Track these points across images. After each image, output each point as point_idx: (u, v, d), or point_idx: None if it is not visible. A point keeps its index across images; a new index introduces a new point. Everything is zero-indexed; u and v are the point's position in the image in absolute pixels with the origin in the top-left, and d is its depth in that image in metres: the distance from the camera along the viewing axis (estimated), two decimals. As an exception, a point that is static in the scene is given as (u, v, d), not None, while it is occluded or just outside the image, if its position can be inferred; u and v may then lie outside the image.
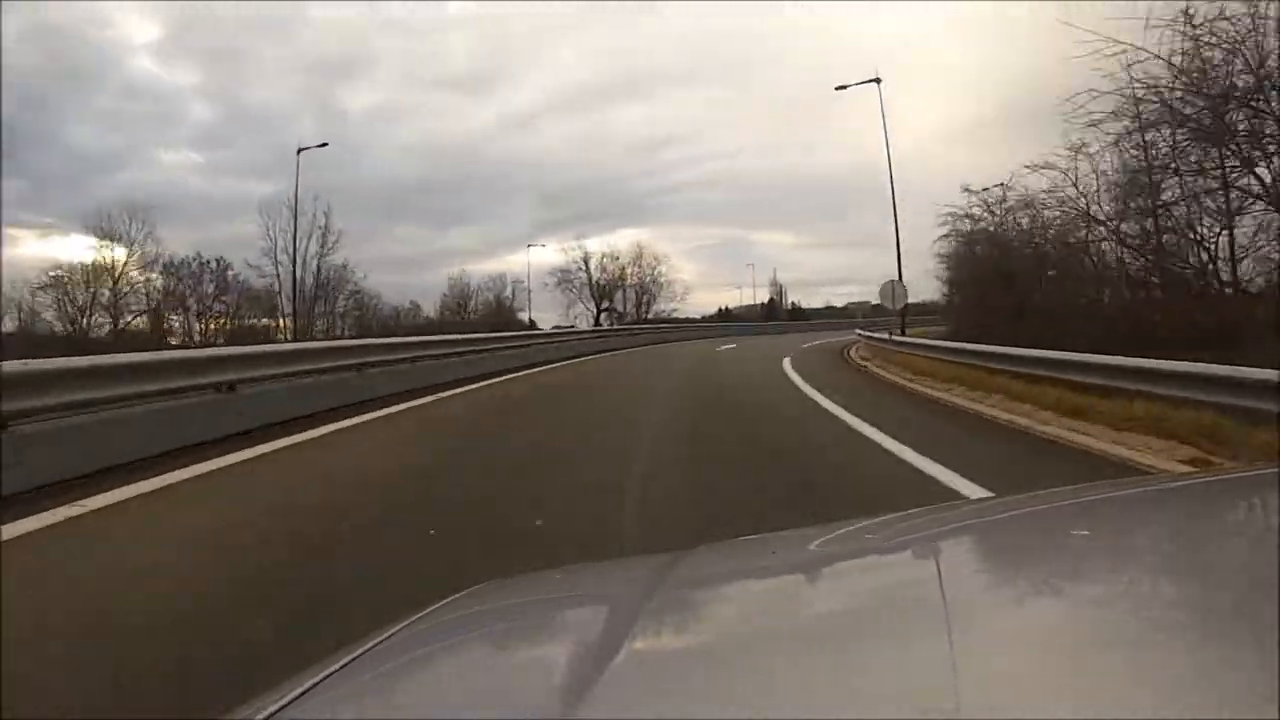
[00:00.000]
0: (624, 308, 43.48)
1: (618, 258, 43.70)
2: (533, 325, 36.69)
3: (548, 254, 60.20)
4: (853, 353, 17.06)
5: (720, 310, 52.23)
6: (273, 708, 0.53)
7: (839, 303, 56.40)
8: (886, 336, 15.24)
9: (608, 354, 19.79)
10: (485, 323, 34.71)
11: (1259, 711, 0.35)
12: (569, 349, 18.21)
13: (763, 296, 54.13)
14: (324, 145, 28.29)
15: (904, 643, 0.52)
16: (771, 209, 79.67)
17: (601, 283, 43.47)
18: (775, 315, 50.03)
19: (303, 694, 0.55)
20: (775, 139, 78.16)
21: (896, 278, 18.37)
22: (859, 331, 21.33)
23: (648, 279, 44.14)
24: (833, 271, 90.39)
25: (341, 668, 0.59)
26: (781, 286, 53.88)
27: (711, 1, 53.68)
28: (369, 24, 56.56)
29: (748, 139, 77.51)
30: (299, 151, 27.10)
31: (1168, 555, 0.68)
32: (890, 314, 19.18)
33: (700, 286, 74.61)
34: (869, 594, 0.68)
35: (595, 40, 62.95)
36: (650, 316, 42.57)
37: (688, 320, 41.31)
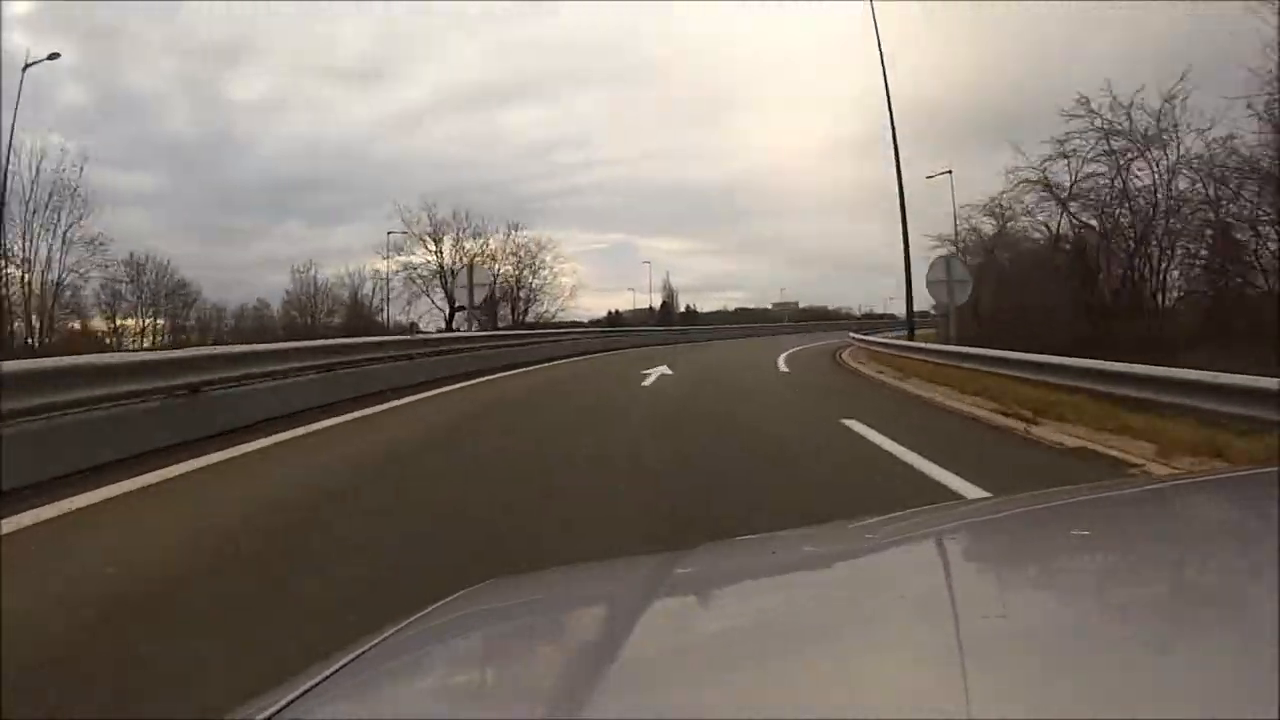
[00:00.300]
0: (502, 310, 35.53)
1: (488, 245, 34.12)
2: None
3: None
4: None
5: (610, 314, 48.26)
6: (273, 708, 0.52)
7: (731, 306, 55.20)
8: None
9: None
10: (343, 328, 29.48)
11: (1259, 711, 0.35)
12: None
13: (655, 300, 51.18)
14: (55, 56, 22.11)
15: (904, 643, 0.52)
16: (662, 215, 79.90)
17: (455, 269, 31.30)
18: (669, 319, 46.60)
19: (303, 694, 0.54)
20: (667, 144, 78.63)
21: (908, 282, 15.50)
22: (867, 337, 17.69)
23: (526, 273, 35.12)
24: (721, 277, 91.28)
25: (341, 668, 0.59)
26: (674, 290, 51.23)
27: (611, 1, 53.98)
28: (256, 8, 53.61)
29: (640, 144, 77.13)
30: (25, 68, 20.53)
31: (1168, 555, 0.68)
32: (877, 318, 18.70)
33: (591, 291, 72.29)
34: (869, 594, 0.67)
35: (491, 37, 61.00)
36: (530, 321, 33.52)
37: (573, 325, 32.75)
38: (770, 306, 54.26)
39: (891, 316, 40.37)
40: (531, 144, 65.36)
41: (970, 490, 3.49)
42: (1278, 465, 0.90)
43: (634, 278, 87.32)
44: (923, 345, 12.67)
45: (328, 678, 0.57)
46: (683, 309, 50.75)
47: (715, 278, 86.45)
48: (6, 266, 23.18)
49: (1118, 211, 15.76)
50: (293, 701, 0.53)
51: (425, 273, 33.38)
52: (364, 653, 0.62)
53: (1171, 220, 14.94)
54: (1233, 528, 0.76)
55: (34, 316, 24.05)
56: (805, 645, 0.53)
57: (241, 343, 14.64)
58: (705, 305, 53.25)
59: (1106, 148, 15.46)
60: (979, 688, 0.42)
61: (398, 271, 33.14)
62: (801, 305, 54.35)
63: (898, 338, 16.37)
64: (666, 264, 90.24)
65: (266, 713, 0.52)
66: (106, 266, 26.43)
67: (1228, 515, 0.81)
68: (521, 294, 35.17)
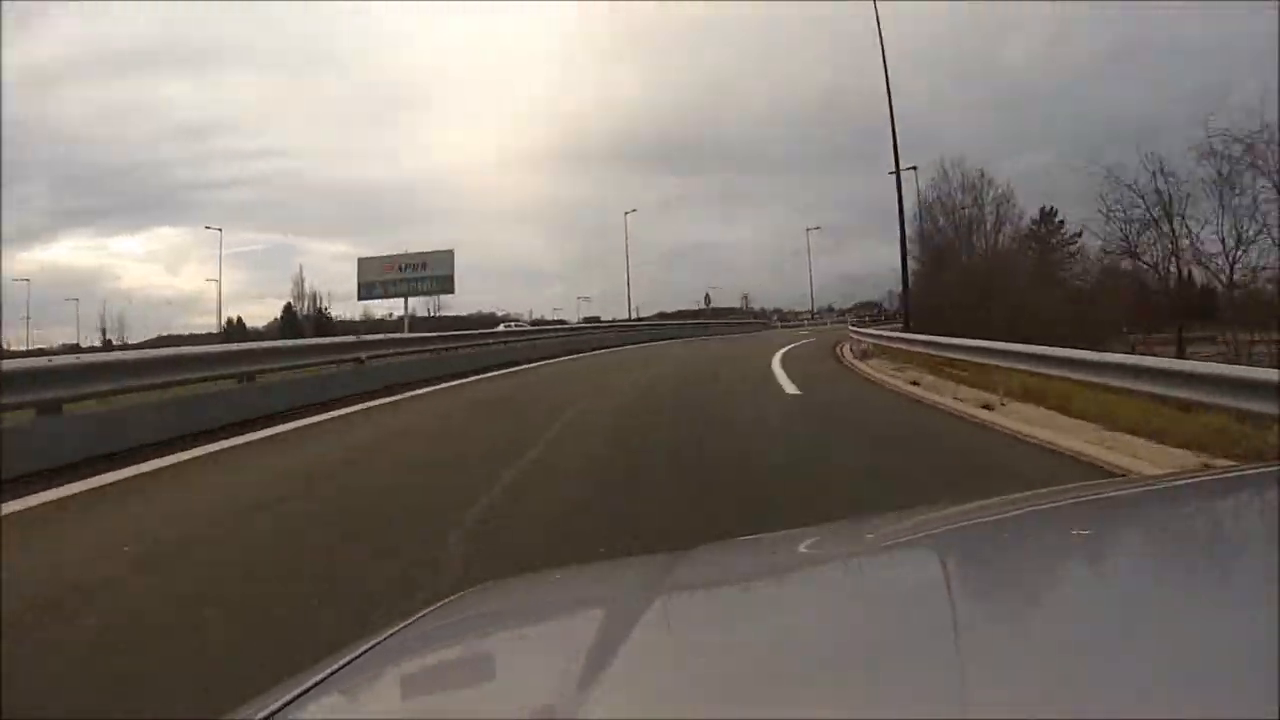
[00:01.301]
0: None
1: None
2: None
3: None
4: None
5: (227, 322, 39.30)
6: (272, 707, 0.53)
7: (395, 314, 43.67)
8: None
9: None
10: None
11: (1259, 711, 0.35)
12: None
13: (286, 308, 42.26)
14: None
15: (904, 642, 0.52)
16: (331, 216, 74.38)
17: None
18: (298, 331, 35.39)
19: (303, 694, 0.55)
20: (340, 143, 74.22)
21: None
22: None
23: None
24: None
25: (341, 668, 0.59)
26: (317, 295, 42.55)
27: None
28: None
29: (311, 139, 72.14)
30: None
31: (1168, 555, 0.68)
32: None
33: (242, 297, 68.83)
34: (869, 593, 0.68)
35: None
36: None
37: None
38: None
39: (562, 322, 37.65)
40: (182, 125, 56.94)
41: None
42: (1278, 465, 0.91)
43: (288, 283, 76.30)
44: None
45: (328, 678, 0.58)
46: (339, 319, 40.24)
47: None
48: None
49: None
50: (293, 701, 0.54)
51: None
52: (364, 653, 0.63)
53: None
54: (1233, 528, 0.76)
55: None
56: (805, 646, 0.53)
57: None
58: (376, 315, 43.24)
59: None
60: (979, 688, 0.42)
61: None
62: (465, 314, 45.33)
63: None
64: (330, 269, 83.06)
65: (266, 712, 0.52)
66: None
67: (1228, 515, 0.81)
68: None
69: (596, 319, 43.93)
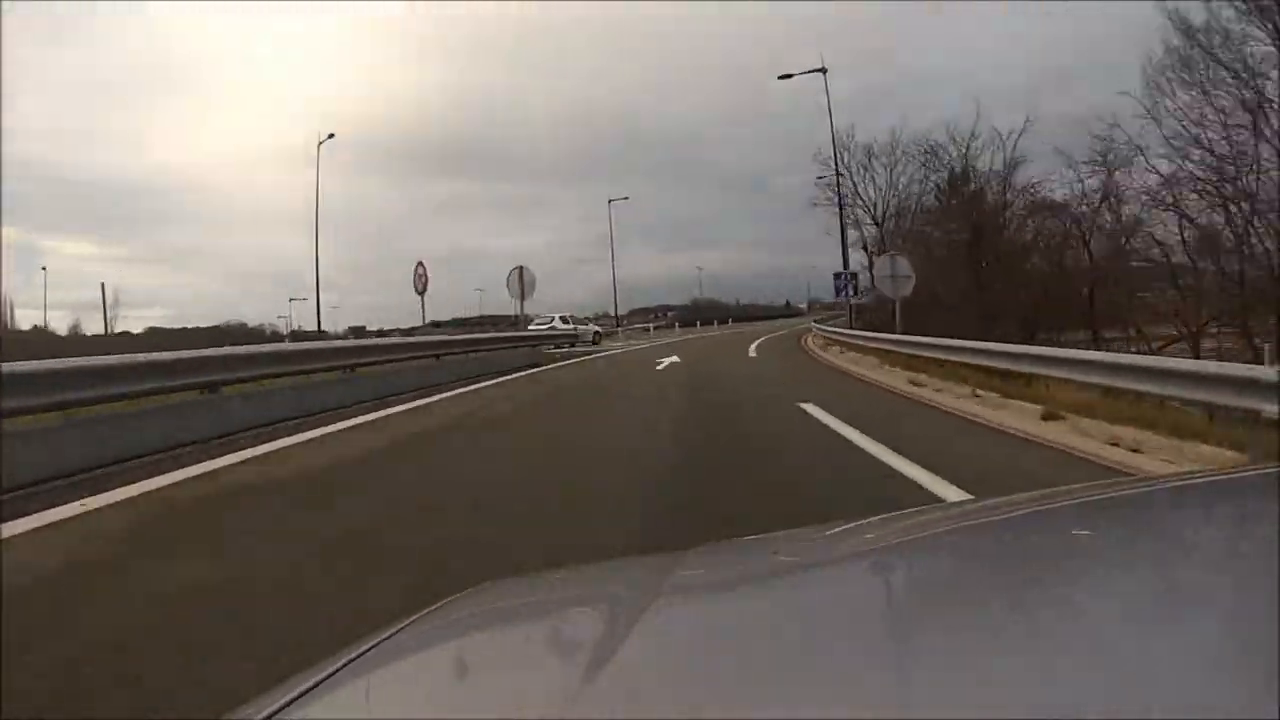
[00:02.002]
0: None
1: None
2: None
3: None
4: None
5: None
6: (273, 708, 0.53)
7: (138, 328, 38.86)
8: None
9: None
10: None
11: (1259, 711, 0.35)
12: None
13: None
14: None
15: (905, 642, 0.52)
16: (64, 210, 64.34)
17: None
18: None
19: (303, 694, 0.55)
20: (88, 124, 64.38)
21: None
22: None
23: None
24: (139, 293, 78.73)
25: (341, 668, 0.60)
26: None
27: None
28: None
29: (49, 118, 62.57)
30: None
31: (1168, 555, 0.68)
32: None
33: None
34: (869, 594, 0.68)
35: None
36: None
37: None
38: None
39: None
40: None
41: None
42: (1278, 465, 0.91)
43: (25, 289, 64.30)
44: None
45: (328, 678, 0.58)
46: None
47: (130, 293, 71.64)
48: None
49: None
50: (293, 701, 0.54)
51: None
52: (364, 653, 0.62)
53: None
54: (1233, 528, 0.75)
55: None
56: (806, 646, 0.53)
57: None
58: (134, 326, 39.92)
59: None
60: (980, 688, 0.42)
61: None
62: (217, 324, 42.04)
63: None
64: (76, 271, 69.27)
65: (266, 712, 0.52)
66: None
67: (1228, 515, 0.80)
68: None
69: (361, 329, 41.31)
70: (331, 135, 29.46)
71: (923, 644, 0.52)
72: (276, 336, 36.40)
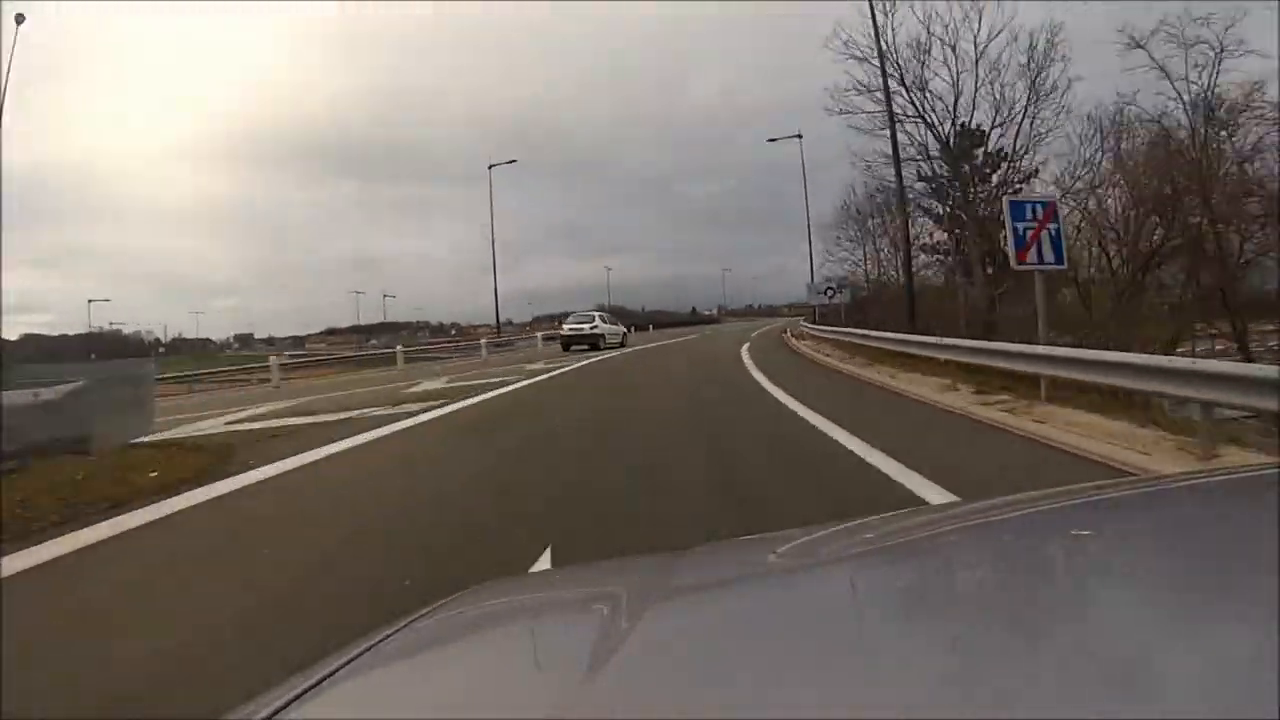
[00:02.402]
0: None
1: None
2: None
3: None
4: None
5: None
6: (273, 707, 0.53)
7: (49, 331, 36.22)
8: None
9: None
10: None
11: (1259, 711, 0.35)
12: None
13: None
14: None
15: (904, 643, 0.52)
16: None
17: None
18: None
19: (303, 694, 0.55)
20: None
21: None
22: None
23: None
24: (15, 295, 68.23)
25: (341, 668, 0.60)
26: None
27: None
28: None
29: None
30: None
31: (1168, 555, 0.68)
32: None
33: None
34: (869, 593, 0.68)
35: None
36: None
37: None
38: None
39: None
40: None
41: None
42: (1278, 465, 0.92)
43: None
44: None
45: (327, 678, 0.58)
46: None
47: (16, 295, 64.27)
48: None
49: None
50: (292, 701, 0.54)
51: None
52: (363, 653, 0.63)
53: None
54: (1233, 528, 0.75)
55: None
56: (805, 646, 0.53)
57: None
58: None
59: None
60: (979, 688, 0.43)
61: None
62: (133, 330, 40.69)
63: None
64: None
65: (266, 712, 0.52)
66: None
67: (1228, 515, 0.80)
68: None
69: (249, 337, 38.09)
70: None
71: (922, 643, 0.52)
72: (149, 347, 32.30)
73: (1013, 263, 7.22)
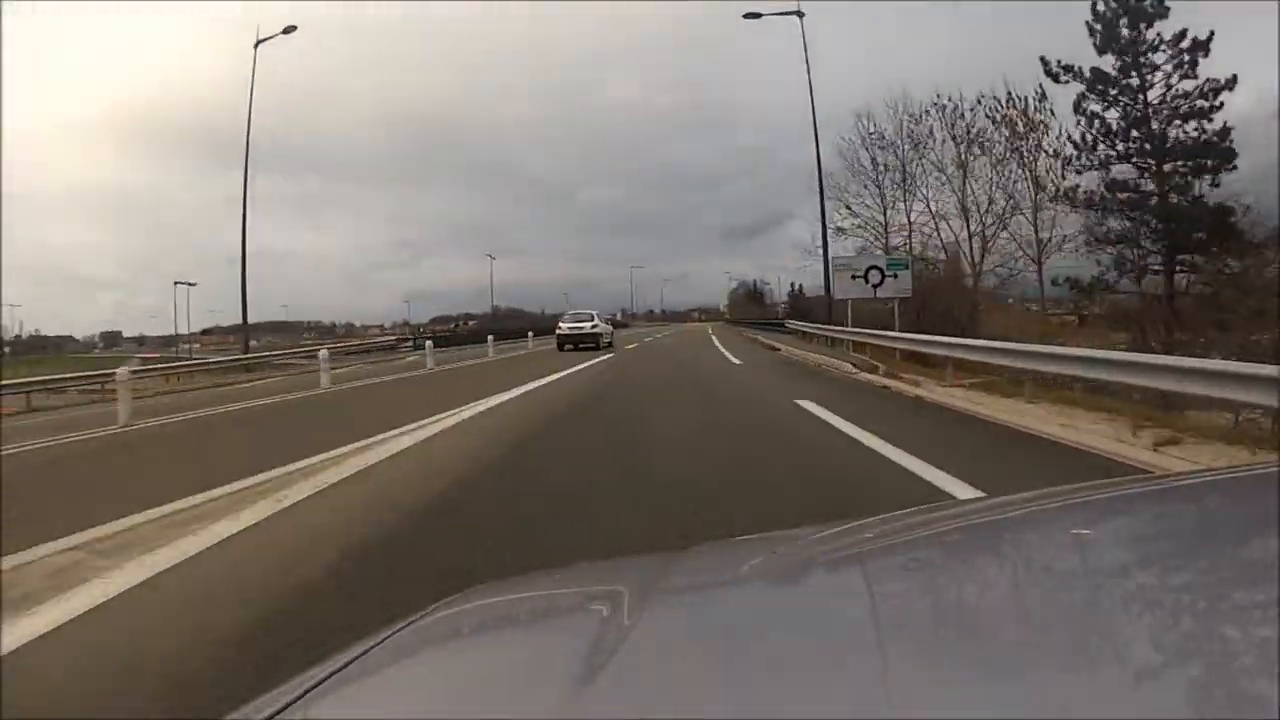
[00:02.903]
0: None
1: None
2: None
3: None
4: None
5: None
6: (273, 707, 0.53)
7: None
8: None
9: None
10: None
11: (1259, 711, 0.35)
12: None
13: None
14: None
15: (905, 642, 0.52)
16: None
17: None
18: None
19: (303, 694, 0.55)
20: None
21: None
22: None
23: None
24: None
25: (341, 668, 0.60)
26: None
27: None
28: None
29: None
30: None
31: (1168, 555, 0.68)
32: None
33: None
34: (869, 593, 0.68)
35: None
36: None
37: None
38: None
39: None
40: None
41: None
42: (1278, 465, 0.91)
43: None
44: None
45: (327, 678, 0.58)
46: None
47: None
48: None
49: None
50: (293, 702, 0.54)
51: None
52: (362, 653, 0.63)
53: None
54: (1233, 528, 0.75)
55: None
56: (805, 645, 0.53)
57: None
58: None
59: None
60: (979, 688, 0.43)
61: None
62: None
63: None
64: None
65: (266, 712, 0.52)
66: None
67: (1228, 515, 0.80)
68: None
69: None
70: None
71: (923, 644, 0.52)
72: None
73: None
